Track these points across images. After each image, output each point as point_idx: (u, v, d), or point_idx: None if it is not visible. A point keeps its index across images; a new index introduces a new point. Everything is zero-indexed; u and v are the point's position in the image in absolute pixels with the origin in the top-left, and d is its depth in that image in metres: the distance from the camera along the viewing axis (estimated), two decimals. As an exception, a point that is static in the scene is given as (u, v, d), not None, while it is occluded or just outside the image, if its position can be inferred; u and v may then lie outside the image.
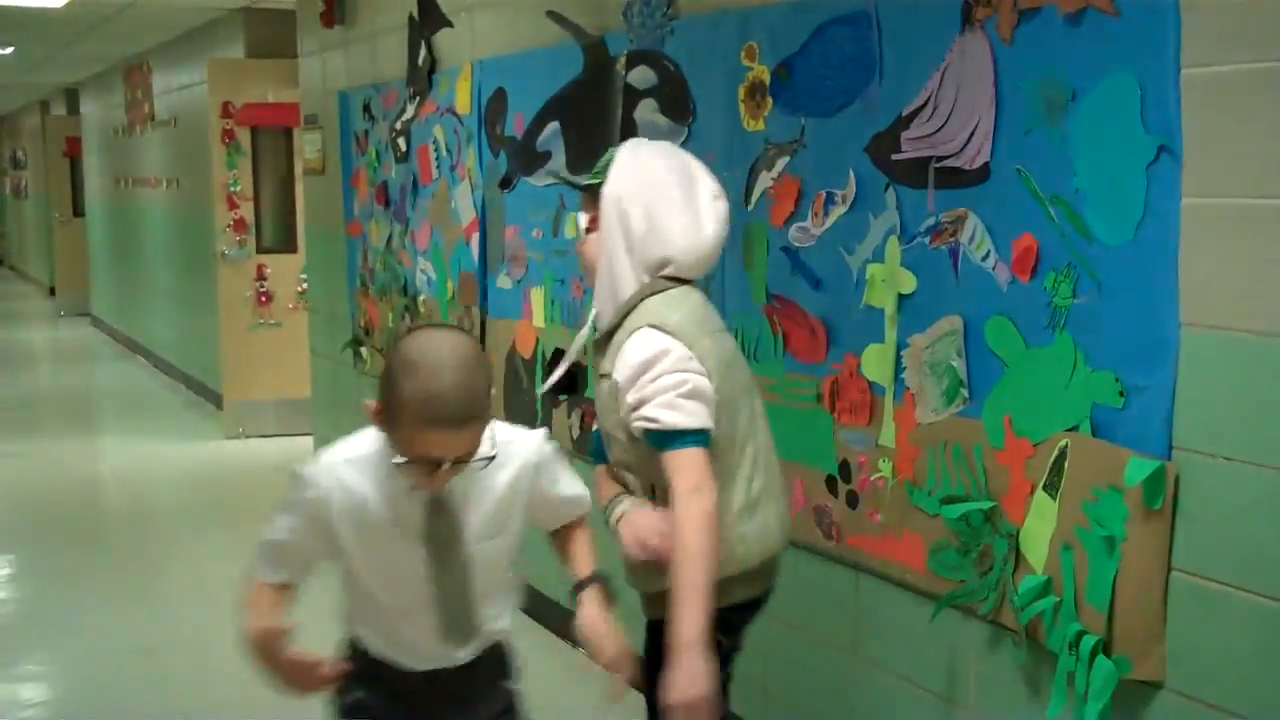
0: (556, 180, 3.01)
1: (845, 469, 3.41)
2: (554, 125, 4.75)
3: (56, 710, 4.58)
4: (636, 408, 2.58)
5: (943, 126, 3.03)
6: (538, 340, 4.96)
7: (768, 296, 3.65)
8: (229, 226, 8.95)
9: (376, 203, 6.50)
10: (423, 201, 5.95)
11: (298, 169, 8.62)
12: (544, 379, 4.89)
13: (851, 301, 3.34)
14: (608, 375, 2.68)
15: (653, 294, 2.67)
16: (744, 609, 2.78)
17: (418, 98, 5.91)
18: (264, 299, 8.96)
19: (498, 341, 5.29)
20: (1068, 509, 2.74)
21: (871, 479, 3.31)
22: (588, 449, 3.26)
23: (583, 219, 2.81)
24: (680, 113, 4.01)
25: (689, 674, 2.46)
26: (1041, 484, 2.81)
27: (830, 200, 3.40)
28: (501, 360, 5.26)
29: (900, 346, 3.20)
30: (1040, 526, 2.82)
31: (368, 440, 2.39)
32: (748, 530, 2.71)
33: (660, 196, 2.67)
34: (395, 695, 2.48)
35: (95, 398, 11.64)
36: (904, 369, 3.19)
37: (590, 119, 4.51)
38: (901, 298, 3.18)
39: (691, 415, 2.55)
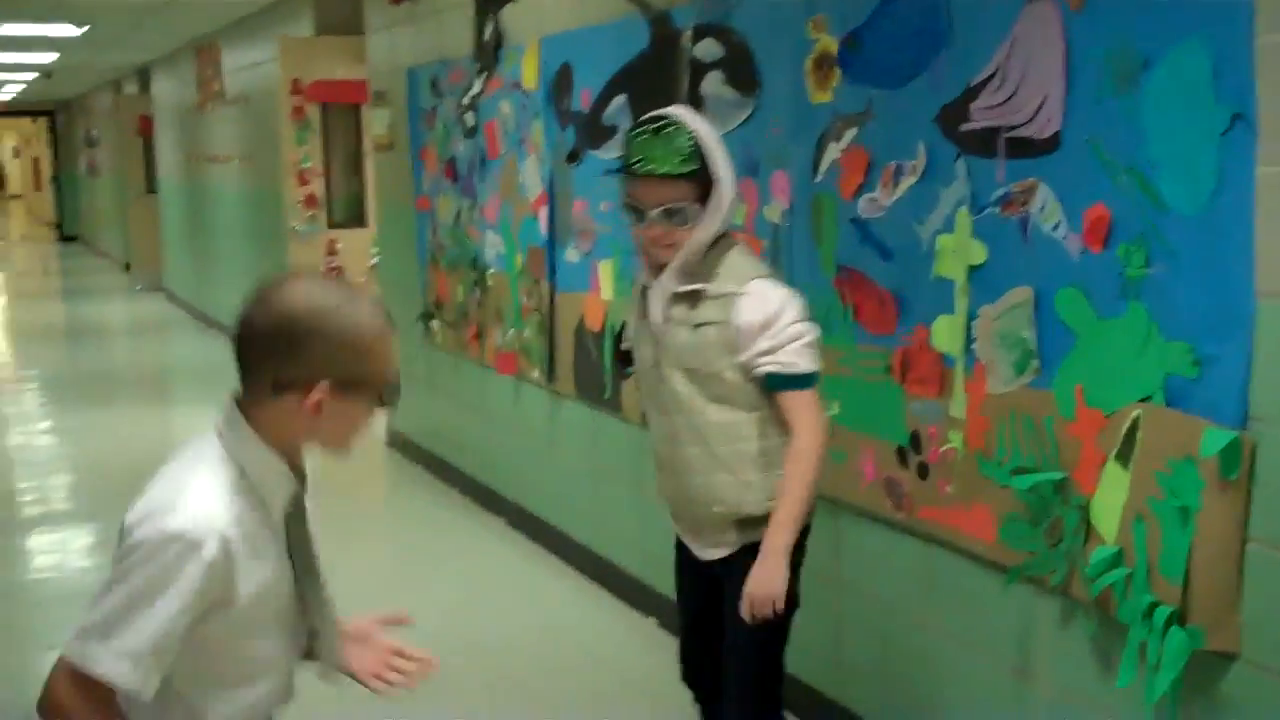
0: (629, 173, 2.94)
1: (916, 440, 3.41)
2: (621, 99, 4.77)
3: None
4: (769, 352, 2.87)
5: (1012, 96, 3.01)
6: (606, 313, 4.99)
7: (837, 268, 3.65)
8: (300, 202, 9.06)
9: (445, 178, 6.55)
10: (491, 176, 5.99)
11: (366, 145, 8.70)
12: (614, 353, 4.92)
13: (921, 272, 3.34)
14: (713, 323, 2.90)
15: (731, 248, 2.96)
16: (808, 531, 3.07)
17: (485, 74, 5.94)
18: (335, 273, 9.05)
19: (566, 315, 5.33)
20: (1140, 480, 2.73)
21: (942, 450, 3.31)
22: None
23: (693, 211, 2.90)
24: (746, 85, 4.01)
25: (774, 574, 2.86)
26: (1113, 455, 2.80)
27: (900, 171, 3.39)
28: (570, 334, 5.29)
29: (971, 317, 3.19)
30: (1112, 497, 2.81)
31: (217, 465, 1.92)
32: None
33: (728, 158, 2.94)
34: None
35: (170, 370, 11.82)
36: (974, 340, 3.18)
37: (656, 93, 4.51)
38: (972, 268, 3.17)
39: (814, 362, 2.92)
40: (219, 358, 11.64)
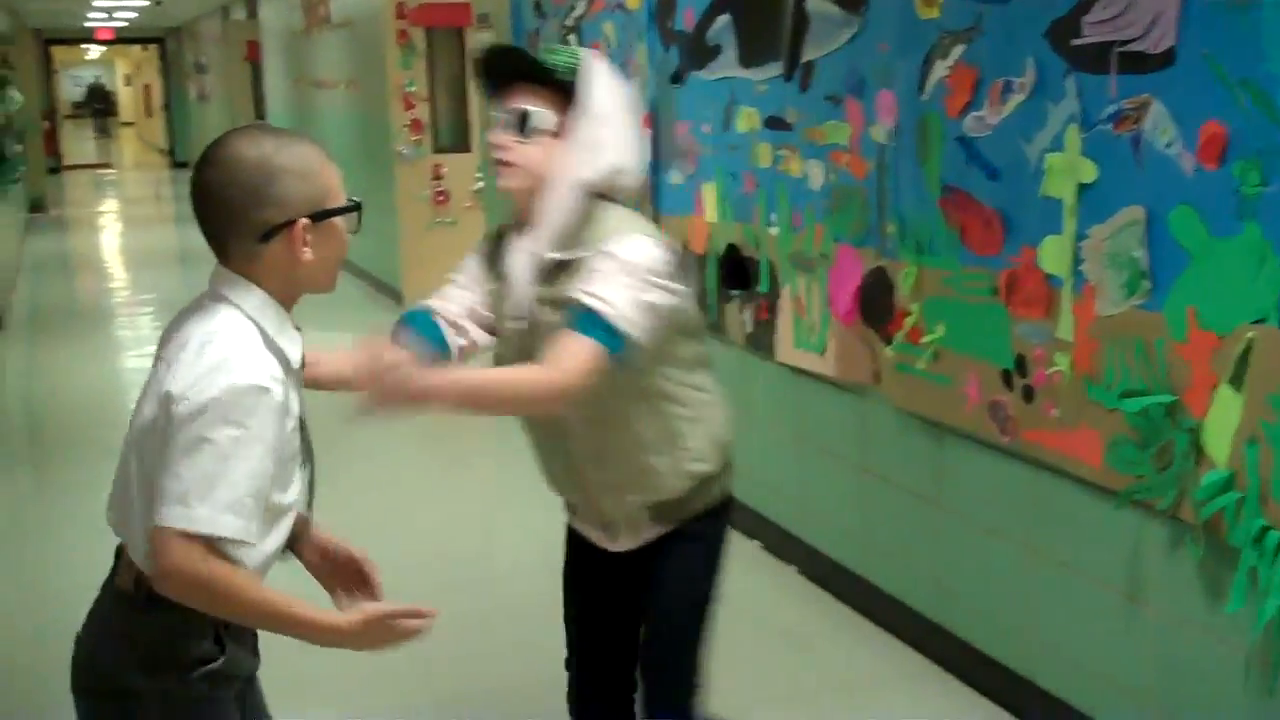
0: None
1: (1021, 363, 3.37)
2: (725, 18, 4.72)
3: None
4: (593, 285, 2.35)
5: (1125, 10, 2.93)
6: (710, 236, 4.97)
7: (942, 188, 3.60)
8: (405, 126, 9.12)
9: (548, 100, 6.54)
10: (594, 98, 5.97)
11: (471, 68, 8.72)
12: (719, 275, 4.92)
13: (1029, 192, 3.28)
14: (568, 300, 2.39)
15: (615, 208, 2.49)
16: (725, 512, 2.72)
17: (588, -6, 5.92)
18: (441, 198, 9.12)
19: (670, 237, 5.31)
20: (1253, 402, 2.68)
21: (1048, 373, 3.27)
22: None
23: (542, 117, 2.46)
24: (853, 2, 3.95)
25: (402, 386, 2.15)
26: (1226, 377, 2.75)
27: (1008, 88, 3.33)
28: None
29: (1079, 237, 3.13)
30: (1224, 421, 2.76)
31: (239, 325, 1.97)
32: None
33: (629, 120, 2.52)
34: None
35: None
36: (1083, 260, 3.13)
37: (761, 12, 4.46)
38: (1081, 187, 3.11)
39: (636, 327, 2.35)
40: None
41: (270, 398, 1.90)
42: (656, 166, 5.36)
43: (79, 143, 29.04)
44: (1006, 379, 3.43)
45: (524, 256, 2.51)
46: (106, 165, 26.88)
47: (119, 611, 2.00)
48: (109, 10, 21.12)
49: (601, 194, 2.48)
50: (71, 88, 31.11)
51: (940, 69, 3.57)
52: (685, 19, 4.99)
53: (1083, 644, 3.33)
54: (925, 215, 3.66)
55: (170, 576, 1.87)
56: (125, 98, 43.10)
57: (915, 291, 3.76)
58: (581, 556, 2.79)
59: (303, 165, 1.98)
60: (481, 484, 6.17)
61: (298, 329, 2.06)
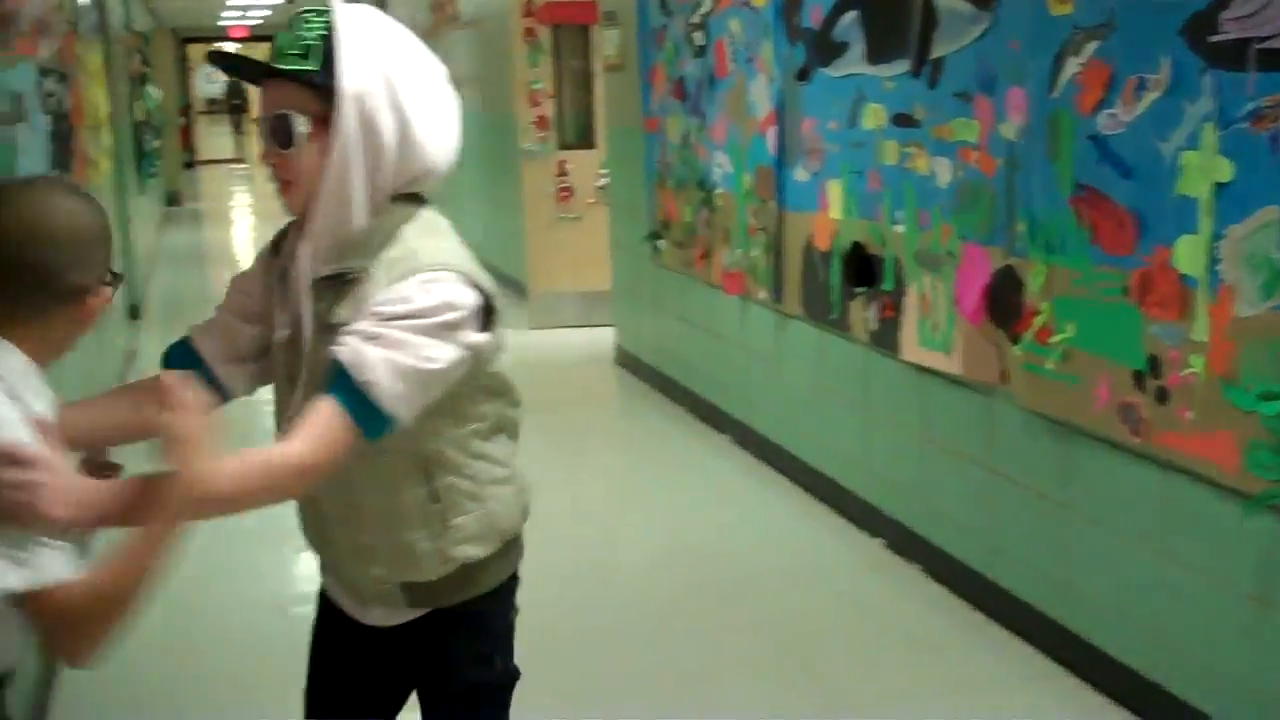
0: (232, 71, 2.28)
1: (1154, 364, 3.32)
2: (852, 15, 4.71)
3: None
4: (371, 339, 1.89)
5: (1265, 6, 2.87)
6: (835, 233, 4.97)
7: (1074, 187, 3.56)
8: (531, 123, 9.21)
9: (674, 97, 6.58)
10: (719, 95, 6.00)
11: (596, 66, 8.79)
12: (842, 272, 4.91)
13: (1163, 191, 3.23)
14: (343, 325, 1.95)
15: (410, 220, 2.03)
16: (510, 592, 2.31)
17: (714, -9, 5.94)
18: (565, 194, 9.21)
19: (794, 234, 5.32)
20: (1396, 408, 2.62)
21: (1182, 374, 3.22)
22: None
23: (301, 123, 1.97)
24: (983, -1, 3.92)
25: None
26: (1368, 381, 2.69)
27: (1142, 85, 3.28)
28: (798, 253, 5.29)
29: (1215, 237, 3.08)
30: (1365, 425, 2.70)
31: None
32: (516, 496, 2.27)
33: (416, 89, 2.02)
34: None
35: (408, 289, 12.23)
36: (1219, 261, 3.08)
37: (890, 8, 4.45)
38: (1217, 186, 3.06)
39: (404, 404, 1.91)
40: (453, 276, 12.06)
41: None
42: (781, 163, 5.36)
43: (212, 138, 29.76)
44: (1138, 380, 3.38)
45: (299, 273, 2.05)
46: (239, 160, 27.51)
47: None
48: (243, 9, 21.62)
49: (403, 191, 2.03)
50: (205, 84, 31.91)
51: (1072, 66, 3.52)
52: (812, 16, 4.99)
53: (1212, 649, 3.27)
54: (1056, 214, 3.62)
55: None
56: (255, 93, 44.02)
57: (1044, 291, 3.72)
58: (331, 624, 2.29)
59: (97, 227, 1.86)
60: (604, 475, 6.23)
61: None
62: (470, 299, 1.96)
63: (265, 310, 2.15)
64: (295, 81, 1.96)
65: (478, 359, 2.01)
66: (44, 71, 5.06)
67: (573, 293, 9.20)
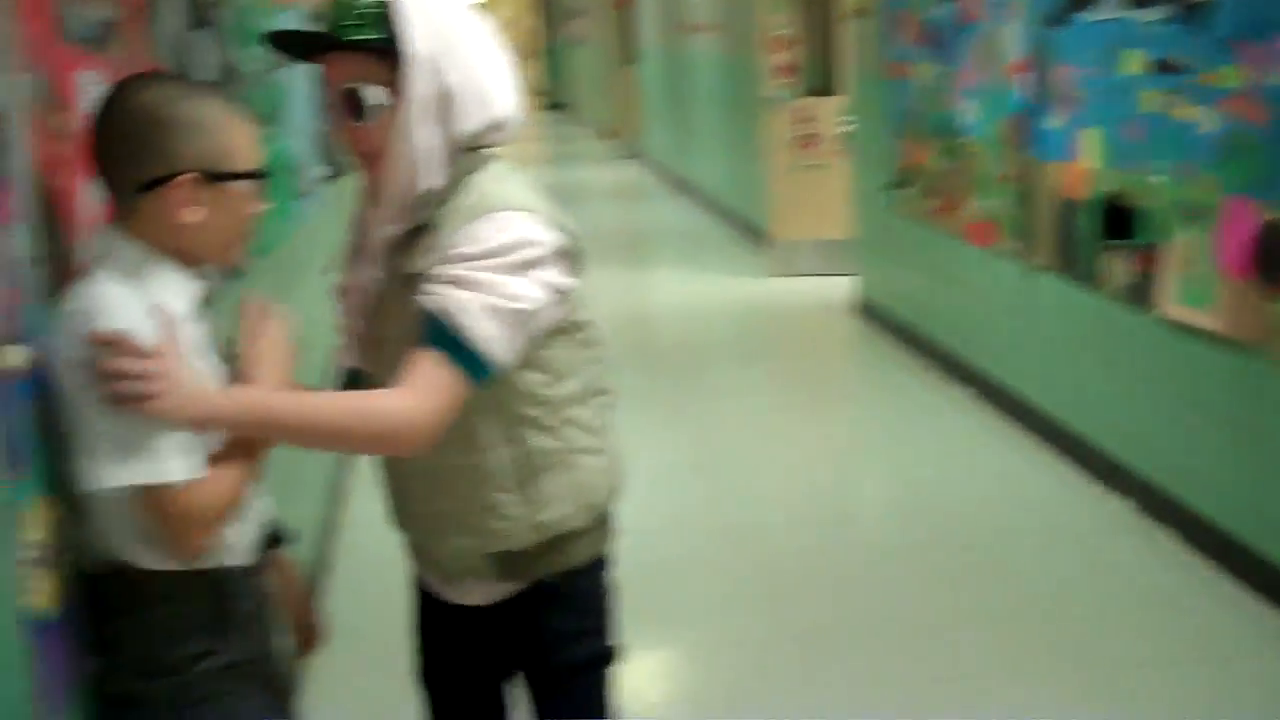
0: (290, 40, 2.08)
1: None
2: (1113, -43, 4.53)
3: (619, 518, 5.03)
4: (448, 283, 1.88)
5: None
6: (1089, 183, 4.81)
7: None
8: (774, 70, 9.17)
9: (922, 43, 6.46)
10: (969, 41, 5.85)
11: (842, 11, 8.68)
12: (1097, 224, 4.75)
13: None
14: (421, 274, 1.93)
15: (481, 168, 2.00)
16: (601, 567, 2.19)
17: (966, -67, 5.78)
18: (807, 141, 9.14)
19: (1045, 184, 5.17)
20: None
21: None
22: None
23: (375, 94, 1.93)
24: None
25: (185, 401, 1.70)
26: None
27: None
28: (1048, 204, 5.15)
29: None
30: None
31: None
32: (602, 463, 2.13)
33: (475, 43, 1.98)
34: None
35: (648, 233, 12.35)
36: None
37: (1154, -52, 4.26)
38: None
39: (497, 341, 1.88)
40: (693, 222, 12.14)
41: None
42: (1033, 111, 5.21)
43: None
44: None
45: (373, 233, 2.02)
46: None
47: (103, 619, 1.80)
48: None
49: (471, 147, 2.00)
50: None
51: (1355, 8, 3.32)
52: (1070, -42, 4.82)
53: None
54: (1331, 165, 3.43)
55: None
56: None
57: (1316, 246, 3.53)
58: (430, 610, 2.24)
59: (200, 118, 1.76)
60: (842, 424, 6.21)
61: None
62: (547, 236, 1.94)
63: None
64: (361, 51, 1.92)
65: (566, 303, 1.99)
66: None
67: (812, 241, 9.15)
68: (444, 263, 1.89)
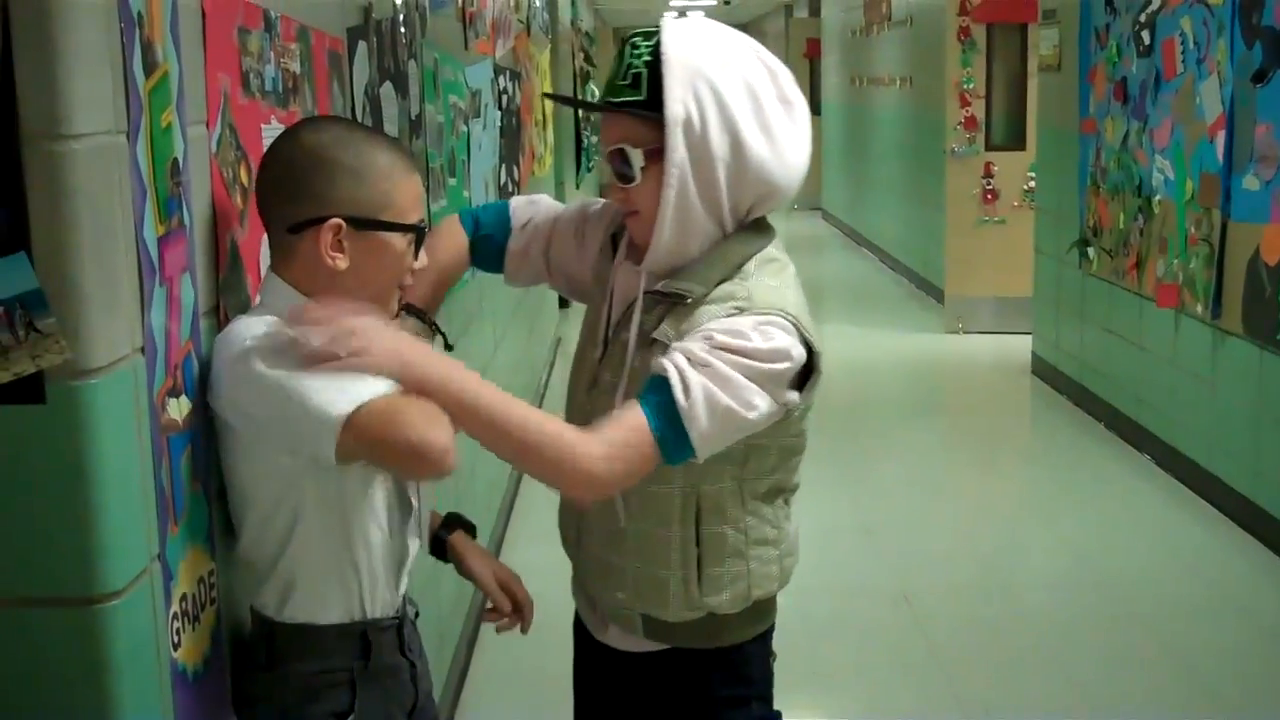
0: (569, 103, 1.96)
1: None
2: (1322, 12, 4.35)
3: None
4: (698, 364, 1.79)
5: None
6: (1286, 246, 4.61)
7: None
8: (959, 124, 9.04)
9: (1114, 99, 6.30)
10: (1164, 97, 5.69)
11: (1031, 65, 8.53)
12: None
13: None
14: (661, 342, 1.87)
15: (750, 257, 1.90)
16: (769, 636, 2.11)
17: (1166, -13, 5.63)
18: (990, 196, 8.98)
19: (1239, 246, 4.98)
20: None
21: None
22: None
23: (636, 157, 1.87)
24: None
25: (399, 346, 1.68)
26: None
27: None
28: (1242, 266, 4.95)
29: None
30: None
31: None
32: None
33: (751, 107, 1.85)
34: None
35: (823, 287, 12.24)
36: None
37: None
38: None
39: (707, 442, 1.81)
40: (870, 276, 12.02)
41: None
42: (1229, 170, 5.03)
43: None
44: None
45: (625, 284, 1.98)
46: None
47: (243, 674, 1.80)
48: (681, 10, 22.28)
49: (743, 217, 1.90)
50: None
51: None
52: (1275, 14, 4.64)
53: None
54: None
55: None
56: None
57: None
58: (588, 651, 2.18)
59: (360, 164, 1.72)
60: (1013, 487, 6.05)
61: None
62: (799, 353, 1.85)
63: (580, 279, 2.11)
64: (627, 113, 1.86)
65: (785, 417, 1.89)
66: (498, 70, 5.37)
67: (990, 298, 8.97)
68: (699, 339, 1.81)
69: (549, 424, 1.78)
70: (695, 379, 1.77)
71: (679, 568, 1.94)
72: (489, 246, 2.16)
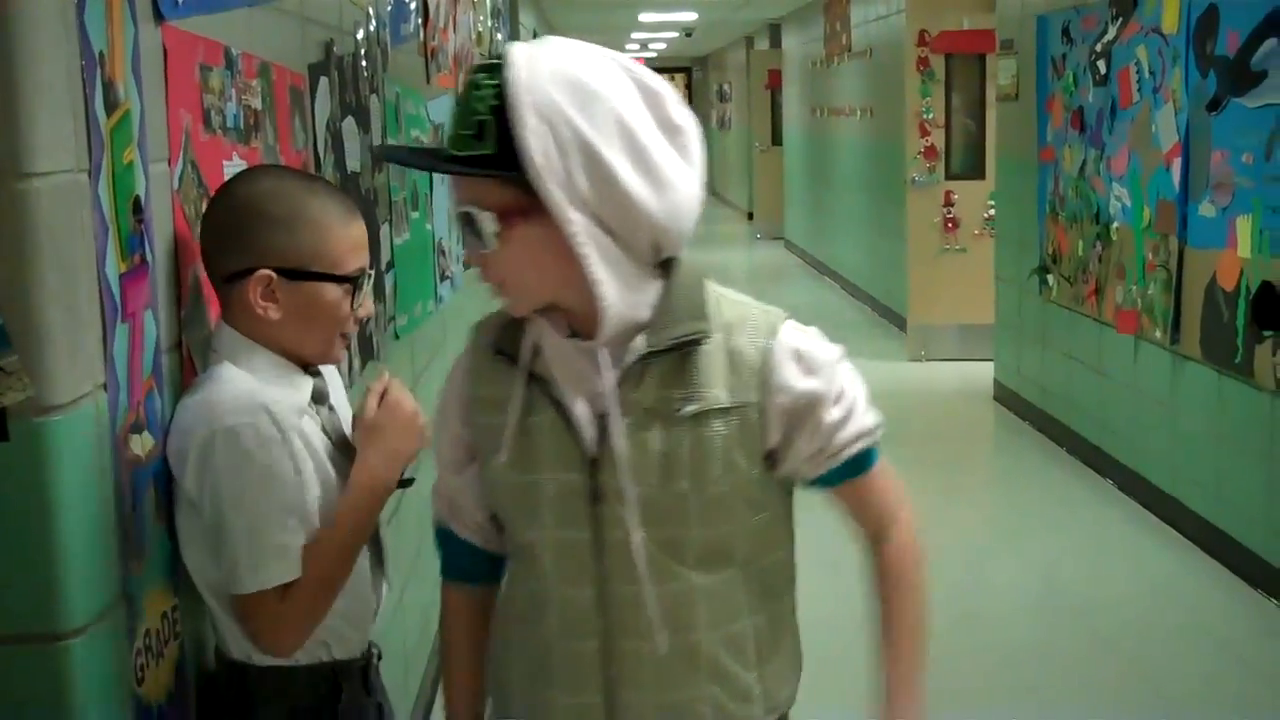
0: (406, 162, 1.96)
1: None
2: (1273, 42, 4.42)
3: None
4: (844, 427, 1.70)
5: None
6: (1242, 272, 4.67)
7: None
8: (920, 154, 9.12)
9: (1071, 127, 6.37)
10: (1121, 126, 5.76)
11: (989, 95, 8.62)
12: (1249, 314, 4.60)
13: None
14: (732, 408, 1.61)
15: (699, 282, 1.71)
16: None
17: (1120, 18, 5.71)
18: (950, 225, 9.06)
19: (1196, 272, 5.04)
20: None
21: None
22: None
23: (487, 222, 1.53)
24: None
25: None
26: None
27: None
28: (1199, 292, 5.00)
29: None
30: None
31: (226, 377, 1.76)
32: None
33: (628, 141, 1.51)
34: None
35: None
36: None
37: (1316, 33, 4.15)
38: None
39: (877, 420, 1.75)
40: (832, 305, 12.07)
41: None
42: (1185, 198, 5.09)
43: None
44: None
45: (581, 359, 1.60)
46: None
47: (213, 716, 1.81)
48: (643, 42, 22.40)
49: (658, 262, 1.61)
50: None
51: None
52: (1228, 43, 4.72)
53: None
54: None
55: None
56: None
57: None
58: None
59: (291, 215, 1.73)
60: (978, 514, 6.08)
61: (313, 373, 1.84)
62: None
63: (480, 442, 1.68)
64: (478, 169, 1.51)
65: None
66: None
67: (952, 325, 9.03)
68: (806, 414, 1.66)
69: (913, 589, 1.82)
70: (854, 420, 1.72)
71: (755, 669, 1.68)
72: (487, 569, 1.78)
